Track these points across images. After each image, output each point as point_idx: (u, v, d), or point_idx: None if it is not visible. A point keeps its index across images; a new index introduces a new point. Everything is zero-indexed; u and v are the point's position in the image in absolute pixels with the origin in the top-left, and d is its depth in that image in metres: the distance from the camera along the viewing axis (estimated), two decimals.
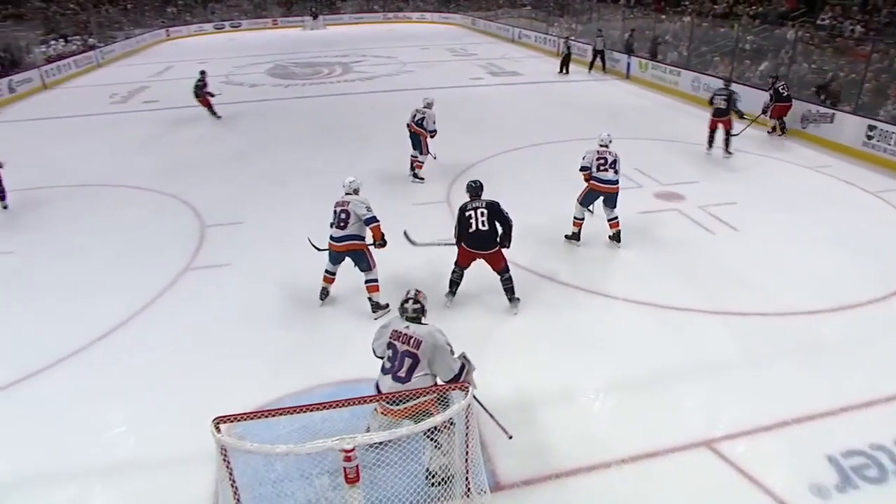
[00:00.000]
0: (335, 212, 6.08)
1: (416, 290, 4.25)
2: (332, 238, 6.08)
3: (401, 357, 3.91)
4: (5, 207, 9.25)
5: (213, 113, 15.08)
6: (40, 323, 6.40)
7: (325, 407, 3.62)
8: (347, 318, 6.22)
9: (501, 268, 6.19)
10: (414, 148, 9.85)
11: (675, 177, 10.00)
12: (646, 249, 7.56)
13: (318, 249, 6.29)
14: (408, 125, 9.80)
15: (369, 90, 18.14)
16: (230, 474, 3.45)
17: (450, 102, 15.97)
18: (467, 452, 3.70)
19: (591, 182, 7.27)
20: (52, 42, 25.28)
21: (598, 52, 20.10)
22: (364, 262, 6.12)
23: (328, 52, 26.95)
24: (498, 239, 6.07)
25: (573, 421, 4.80)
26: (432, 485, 3.93)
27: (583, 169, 7.34)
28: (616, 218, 7.44)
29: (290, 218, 8.57)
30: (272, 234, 8.19)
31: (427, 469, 4.00)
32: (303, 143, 12.66)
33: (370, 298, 6.21)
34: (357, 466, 3.23)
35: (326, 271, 6.31)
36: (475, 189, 6.17)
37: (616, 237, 7.52)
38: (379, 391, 3.97)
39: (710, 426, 4.69)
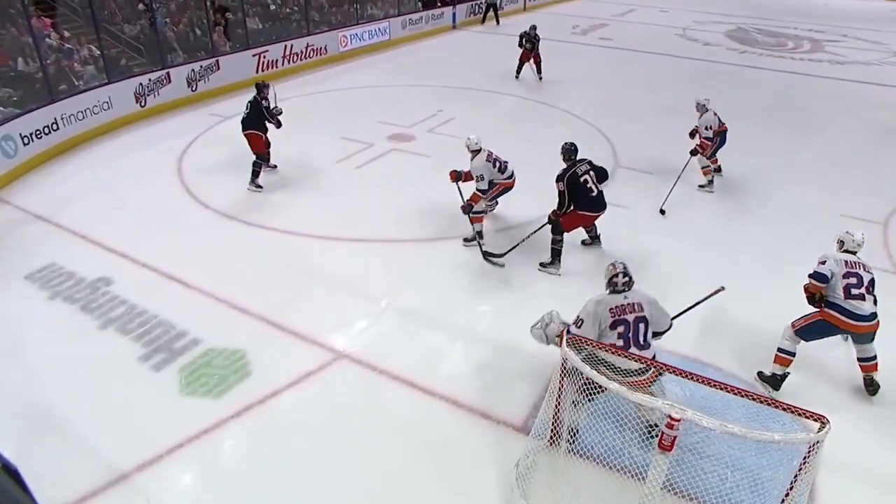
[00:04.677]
0: (493, 158, 6.57)
1: (621, 263, 4.26)
2: (510, 176, 6.70)
3: (634, 326, 4.06)
4: (275, 167, 8.56)
5: (521, 71, 13.63)
6: (461, 200, 7.55)
7: (675, 372, 3.69)
8: None
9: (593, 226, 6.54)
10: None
11: None
12: None
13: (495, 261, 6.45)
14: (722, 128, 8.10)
15: (836, 76, 15.82)
16: (560, 386, 3.78)
17: None
18: (790, 490, 3.35)
19: (828, 312, 4.62)
20: None
21: None
22: None
23: (801, 24, 24.12)
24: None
25: None
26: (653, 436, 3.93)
27: (821, 279, 4.64)
28: (874, 358, 4.71)
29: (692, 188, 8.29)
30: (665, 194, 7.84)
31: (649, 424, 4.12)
32: (738, 115, 11.80)
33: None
34: (675, 438, 3.21)
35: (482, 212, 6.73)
36: (571, 151, 6.11)
37: (871, 385, 4.77)
38: (614, 367, 3.98)
39: None
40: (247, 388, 4.63)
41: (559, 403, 3.91)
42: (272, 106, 7.96)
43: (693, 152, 7.95)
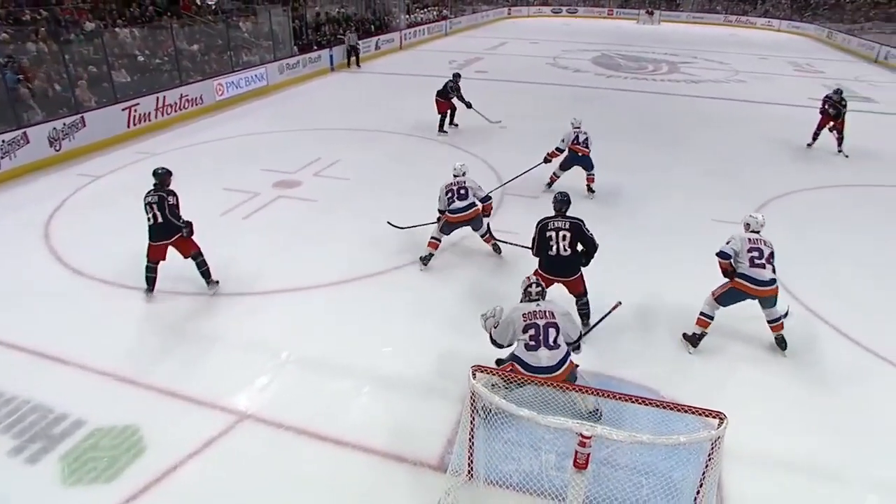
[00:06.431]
0: (453, 190, 6.82)
1: (534, 276, 4.88)
2: (457, 210, 6.78)
3: (545, 330, 4.39)
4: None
5: (451, 122, 12.88)
6: (354, 240, 7.63)
7: (577, 389, 3.79)
8: None
9: (580, 292, 5.76)
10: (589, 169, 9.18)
11: None
12: None
13: (400, 228, 7.34)
14: (575, 147, 9.04)
15: (693, 94, 17.29)
16: (472, 420, 3.79)
17: (776, 120, 14.50)
18: (700, 487, 3.51)
19: (737, 281, 5.38)
20: (416, 11, 28.94)
21: None
22: (480, 223, 7.03)
23: (658, 49, 26.25)
24: (581, 263, 5.62)
25: None
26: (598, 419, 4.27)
27: (723, 256, 5.40)
28: (779, 319, 5.53)
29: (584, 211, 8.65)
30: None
31: (588, 411, 4.38)
32: (614, 135, 12.57)
33: (496, 244, 7.24)
34: (589, 455, 3.28)
35: (436, 238, 7.01)
36: (561, 203, 5.75)
37: (780, 342, 5.60)
38: (527, 365, 4.33)
39: None
40: (142, 466, 4.24)
41: (472, 436, 3.87)
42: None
43: (545, 160, 9.27)
